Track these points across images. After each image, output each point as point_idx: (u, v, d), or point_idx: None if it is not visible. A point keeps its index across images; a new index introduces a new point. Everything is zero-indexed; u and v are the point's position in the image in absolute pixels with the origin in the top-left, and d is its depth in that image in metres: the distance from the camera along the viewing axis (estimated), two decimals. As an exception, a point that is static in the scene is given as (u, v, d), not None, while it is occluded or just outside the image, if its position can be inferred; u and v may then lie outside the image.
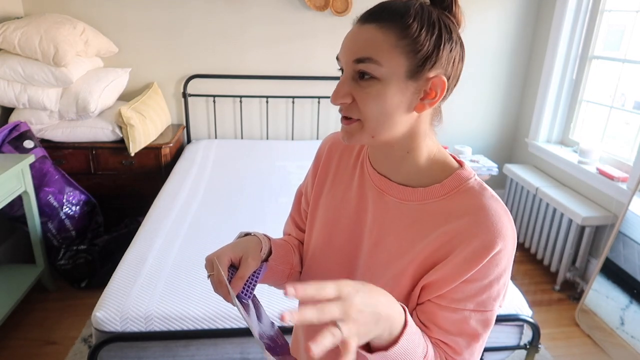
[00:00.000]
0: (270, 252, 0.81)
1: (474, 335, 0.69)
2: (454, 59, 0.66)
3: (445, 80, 0.65)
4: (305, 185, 0.91)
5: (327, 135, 0.90)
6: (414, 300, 0.71)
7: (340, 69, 0.69)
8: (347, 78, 0.66)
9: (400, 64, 0.63)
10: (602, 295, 2.25)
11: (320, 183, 0.86)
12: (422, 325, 0.70)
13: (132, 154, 2.60)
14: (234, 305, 0.68)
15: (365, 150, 0.81)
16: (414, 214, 0.71)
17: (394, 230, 0.72)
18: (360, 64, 0.63)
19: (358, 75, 0.65)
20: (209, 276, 0.72)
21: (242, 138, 3.23)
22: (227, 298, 0.70)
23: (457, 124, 3.35)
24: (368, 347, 0.60)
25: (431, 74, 0.64)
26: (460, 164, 0.73)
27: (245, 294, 0.71)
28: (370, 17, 0.64)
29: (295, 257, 0.88)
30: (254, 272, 0.74)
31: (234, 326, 1.50)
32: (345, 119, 0.68)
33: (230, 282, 0.71)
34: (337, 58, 0.68)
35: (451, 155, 0.75)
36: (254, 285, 0.73)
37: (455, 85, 0.69)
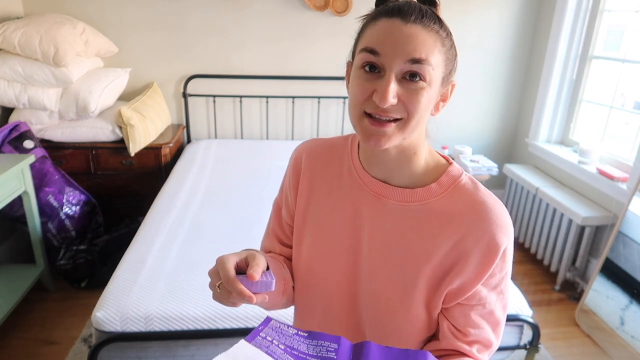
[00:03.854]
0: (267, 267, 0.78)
1: (498, 322, 0.74)
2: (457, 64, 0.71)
3: (455, 82, 0.70)
4: (284, 198, 0.87)
5: (299, 145, 0.86)
6: (438, 306, 0.73)
7: (370, 64, 0.64)
8: (392, 78, 0.62)
9: (441, 70, 0.65)
10: (602, 295, 2.25)
11: (304, 194, 0.82)
12: (456, 331, 0.72)
13: (132, 154, 2.60)
14: (252, 300, 0.64)
15: (350, 156, 0.79)
16: (417, 215, 0.71)
17: (399, 233, 0.72)
18: (415, 65, 0.62)
19: (406, 75, 0.63)
20: (218, 285, 0.65)
21: (242, 138, 3.23)
22: (239, 298, 0.64)
23: (457, 124, 3.35)
24: None
25: (450, 80, 0.69)
26: (447, 160, 0.76)
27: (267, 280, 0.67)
28: (412, 16, 0.62)
29: (287, 271, 0.84)
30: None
31: (234, 326, 1.50)
32: (379, 122, 0.64)
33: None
34: (372, 51, 0.63)
35: (437, 152, 0.78)
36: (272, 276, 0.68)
37: None
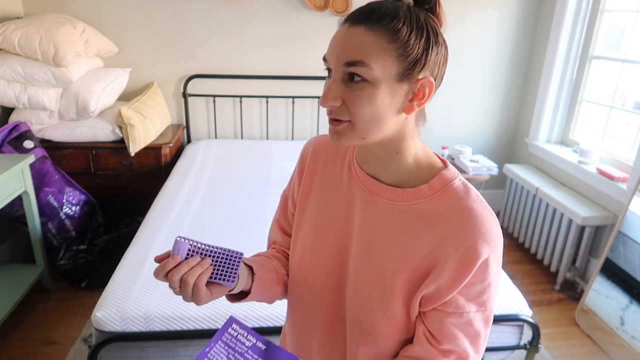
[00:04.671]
0: (250, 268, 0.79)
1: (477, 334, 0.71)
2: (440, 61, 0.67)
3: (433, 81, 0.66)
4: (291, 189, 0.90)
5: (310, 139, 0.90)
6: (415, 310, 0.72)
7: (327, 69, 0.68)
8: (336, 80, 0.65)
9: (391, 66, 0.63)
10: (602, 295, 2.25)
11: (306, 186, 0.84)
12: (431, 337, 0.71)
13: (132, 154, 2.60)
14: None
15: (352, 152, 0.80)
16: (404, 215, 0.71)
17: (385, 232, 0.72)
18: (351, 67, 0.63)
19: (348, 77, 0.64)
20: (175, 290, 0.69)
21: (242, 138, 3.23)
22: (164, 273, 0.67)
23: (457, 124, 3.35)
24: None
25: (420, 76, 0.65)
26: (444, 163, 0.75)
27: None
28: (359, 18, 0.63)
29: (276, 262, 0.87)
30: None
31: (234, 326, 1.50)
32: (334, 120, 0.67)
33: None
34: (325, 59, 0.67)
35: (435, 154, 0.76)
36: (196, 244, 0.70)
37: (439, 86, 0.70)
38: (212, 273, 0.69)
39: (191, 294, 0.67)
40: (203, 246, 0.70)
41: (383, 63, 0.62)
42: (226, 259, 0.70)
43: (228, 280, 0.69)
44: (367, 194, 0.75)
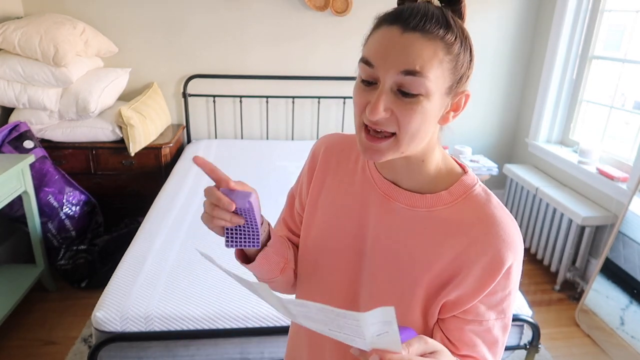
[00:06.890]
0: (269, 237, 0.76)
1: (495, 341, 0.71)
2: (472, 71, 0.67)
3: (469, 92, 0.66)
4: (299, 188, 0.88)
5: (321, 137, 0.87)
6: (434, 316, 0.71)
7: (363, 76, 0.63)
8: (385, 91, 0.61)
9: (444, 79, 0.61)
10: (602, 295, 2.25)
11: (317, 186, 0.83)
12: (449, 343, 0.71)
13: (132, 154, 2.60)
14: (231, 207, 0.65)
15: None
16: (423, 221, 0.70)
17: (403, 238, 0.71)
18: (409, 77, 0.59)
19: (398, 87, 0.61)
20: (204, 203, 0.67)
21: (242, 138, 3.23)
22: (219, 206, 0.64)
23: (457, 124, 3.30)
24: None
25: (461, 89, 0.65)
26: (464, 168, 0.73)
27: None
28: (412, 25, 0.60)
29: (290, 252, 0.84)
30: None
31: (234, 326, 1.50)
32: (373, 137, 0.64)
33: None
34: (368, 62, 0.62)
35: (453, 158, 0.75)
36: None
37: None
38: (233, 232, 0.69)
39: (209, 223, 0.67)
40: (253, 214, 0.68)
41: (439, 75, 0.61)
42: (251, 233, 0.69)
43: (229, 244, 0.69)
44: (383, 198, 0.73)
